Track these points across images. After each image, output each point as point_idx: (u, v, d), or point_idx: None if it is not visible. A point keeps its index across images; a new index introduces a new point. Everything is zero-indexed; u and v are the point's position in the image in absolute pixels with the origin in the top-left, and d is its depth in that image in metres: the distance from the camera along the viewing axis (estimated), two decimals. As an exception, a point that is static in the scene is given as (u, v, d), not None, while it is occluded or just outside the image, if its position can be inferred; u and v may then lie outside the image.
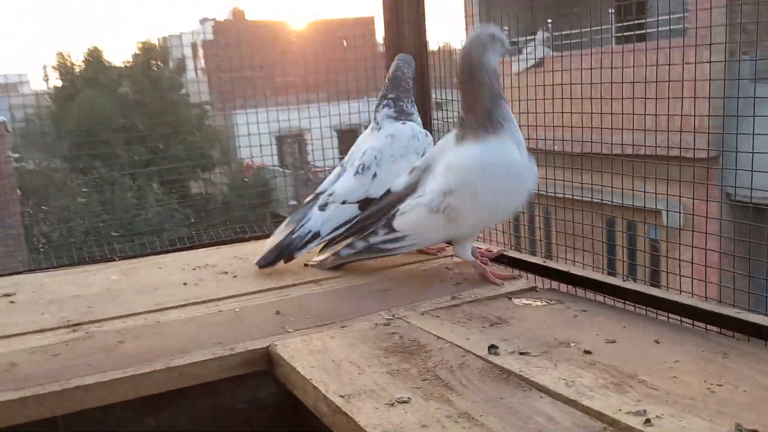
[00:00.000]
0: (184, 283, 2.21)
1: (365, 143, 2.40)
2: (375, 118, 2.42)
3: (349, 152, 2.45)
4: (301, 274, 2.24)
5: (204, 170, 9.36)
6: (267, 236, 2.68)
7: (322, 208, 2.32)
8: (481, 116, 1.93)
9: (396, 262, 2.28)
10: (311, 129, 6.14)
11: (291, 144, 8.78)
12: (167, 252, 2.66)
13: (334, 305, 1.95)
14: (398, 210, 2.07)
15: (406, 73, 2.42)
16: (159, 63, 9.53)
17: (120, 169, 8.74)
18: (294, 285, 2.14)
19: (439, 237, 2.08)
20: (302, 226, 2.30)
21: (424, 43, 2.82)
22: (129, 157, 8.93)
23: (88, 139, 9.13)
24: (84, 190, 8.23)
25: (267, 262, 2.26)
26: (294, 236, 2.28)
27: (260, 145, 5.55)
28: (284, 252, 2.26)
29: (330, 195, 2.34)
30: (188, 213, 9.01)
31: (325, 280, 2.17)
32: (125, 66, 9.72)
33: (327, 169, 7.83)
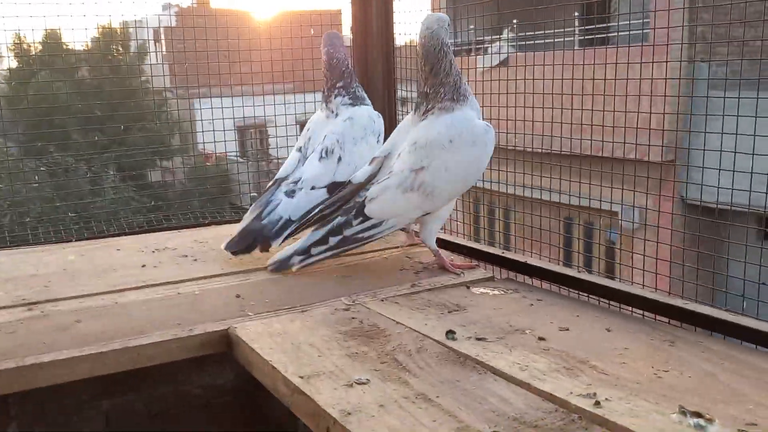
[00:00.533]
0: (143, 266, 2.21)
1: (323, 129, 2.41)
2: (328, 107, 2.42)
3: (304, 138, 2.44)
4: (263, 259, 2.25)
5: (163, 158, 9.23)
6: (228, 222, 2.68)
7: (290, 194, 2.31)
8: (451, 88, 2.04)
9: (357, 251, 2.31)
10: (275, 119, 6.11)
11: (252, 135, 8.73)
12: (126, 234, 2.65)
13: (295, 291, 1.97)
14: (366, 197, 2.07)
15: (340, 58, 2.44)
16: (119, 48, 9.36)
17: (76, 155, 8.58)
18: (255, 270, 2.15)
19: (415, 214, 2.10)
20: (270, 212, 2.27)
21: (392, 38, 2.86)
22: (85, 144, 8.76)
23: (44, 123, 8.93)
24: (37, 176, 8.05)
25: (240, 248, 2.23)
26: (264, 221, 2.26)
27: (223, 134, 5.48)
28: (258, 239, 2.23)
29: (296, 182, 2.34)
30: (145, 201, 8.89)
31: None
32: (84, 50, 9.53)
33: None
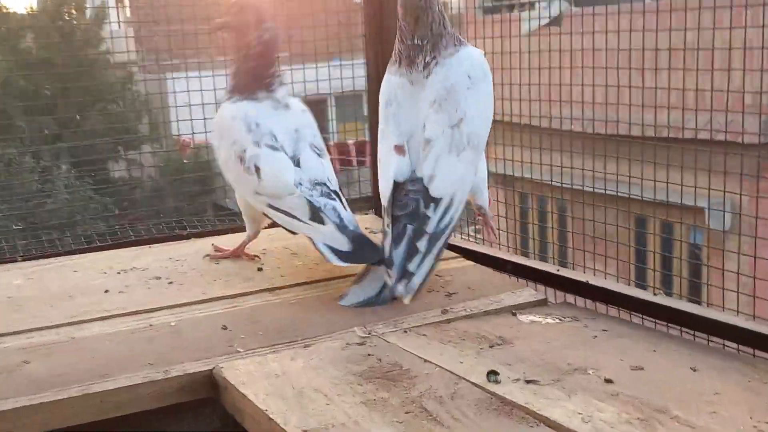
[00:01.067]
0: (106, 291, 2.23)
1: (283, 123, 2.33)
2: (272, 97, 2.36)
3: (257, 134, 2.29)
4: (254, 279, 2.27)
5: (128, 148, 9.28)
6: (213, 233, 2.70)
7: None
8: (451, 35, 2.20)
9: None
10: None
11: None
12: (84, 251, 2.67)
13: (296, 319, 1.98)
14: (422, 179, 2.09)
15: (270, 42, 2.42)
16: (72, 11, 9.44)
17: (20, 145, 8.66)
18: (244, 294, 2.17)
19: (472, 179, 2.17)
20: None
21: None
22: (32, 131, 8.84)
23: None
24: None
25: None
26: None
27: (203, 119, 5.48)
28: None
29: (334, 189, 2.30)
30: (107, 202, 8.96)
31: (283, 288, 2.21)
32: (29, 14, 9.61)
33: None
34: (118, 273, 2.39)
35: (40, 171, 8.88)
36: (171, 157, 9.23)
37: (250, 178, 2.26)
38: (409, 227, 2.05)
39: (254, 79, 2.38)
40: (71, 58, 8.69)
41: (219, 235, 2.77)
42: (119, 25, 9.33)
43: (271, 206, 2.24)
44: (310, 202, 2.17)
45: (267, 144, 2.28)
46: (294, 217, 2.19)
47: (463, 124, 2.12)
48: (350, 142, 9.67)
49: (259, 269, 2.35)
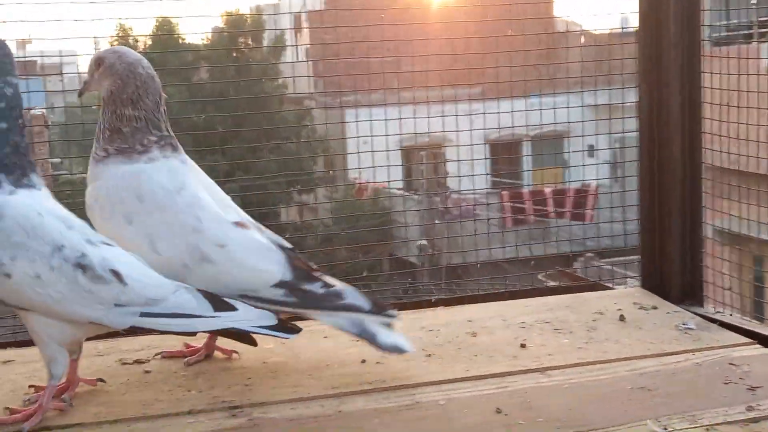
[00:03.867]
0: (363, 361, 2.35)
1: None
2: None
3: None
4: (519, 357, 2.33)
5: (302, 190, 9.60)
6: (458, 300, 2.79)
7: None
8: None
9: (653, 351, 2.35)
10: (456, 137, 6.19)
11: (423, 158, 8.95)
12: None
13: (575, 406, 2.01)
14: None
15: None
16: (249, 42, 9.89)
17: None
18: (511, 373, 2.23)
19: None
20: None
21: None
22: (203, 168, 9.30)
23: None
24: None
25: None
26: None
27: (385, 157, 5.56)
28: None
29: None
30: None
31: (553, 369, 2.26)
32: (204, 44, 10.16)
33: (474, 194, 7.88)
34: (372, 342, 2.50)
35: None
36: (347, 200, 9.49)
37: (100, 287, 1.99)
38: None
39: None
40: (245, 91, 9.07)
41: (469, 303, 2.85)
42: (296, 57, 9.73)
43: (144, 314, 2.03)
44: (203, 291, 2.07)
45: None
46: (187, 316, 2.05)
47: None
48: (548, 189, 9.70)
49: (522, 346, 2.42)
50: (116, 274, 1.98)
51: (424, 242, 8.63)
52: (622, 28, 4.57)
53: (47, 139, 7.39)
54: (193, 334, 2.21)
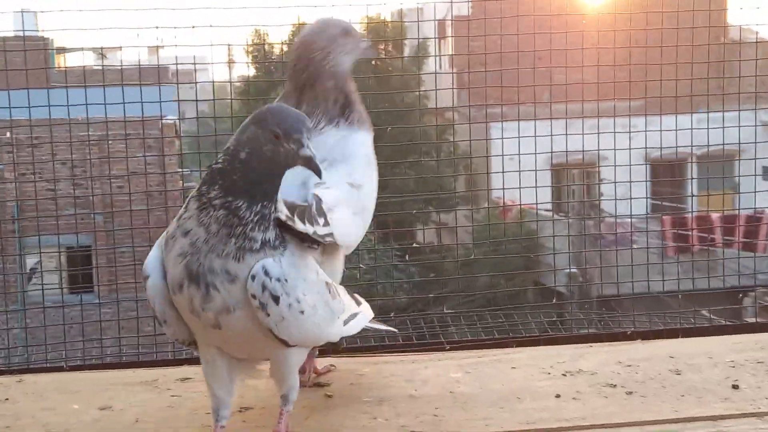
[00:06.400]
0: (557, 396, 2.35)
1: None
2: None
3: None
4: (732, 399, 2.29)
5: (441, 210, 9.61)
6: (655, 334, 2.77)
7: None
8: None
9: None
10: (613, 155, 6.09)
11: (575, 178, 8.88)
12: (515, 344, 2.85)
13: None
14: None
15: None
16: (390, 48, 9.93)
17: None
18: (724, 417, 2.20)
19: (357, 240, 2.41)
20: None
21: None
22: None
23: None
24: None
25: None
26: None
27: (533, 176, 5.52)
28: None
29: None
30: (412, 272, 9.26)
31: (772, 412, 2.22)
32: (342, 52, 10.20)
33: (631, 218, 7.77)
34: (564, 375, 2.51)
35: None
36: (489, 222, 9.40)
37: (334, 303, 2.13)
38: None
39: None
40: (386, 101, 9.14)
41: (668, 338, 2.84)
42: (440, 67, 9.75)
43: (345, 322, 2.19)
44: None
45: None
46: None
47: None
48: (715, 216, 9.45)
49: (734, 387, 2.38)
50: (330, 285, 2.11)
51: (575, 270, 8.54)
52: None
53: (178, 149, 7.63)
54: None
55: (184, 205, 1.91)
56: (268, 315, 1.87)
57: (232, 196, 1.85)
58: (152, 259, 1.92)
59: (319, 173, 1.89)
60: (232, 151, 1.88)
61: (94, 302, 4.60)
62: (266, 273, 1.86)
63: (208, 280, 1.83)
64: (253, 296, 1.86)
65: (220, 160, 1.90)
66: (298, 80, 2.45)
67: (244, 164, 1.86)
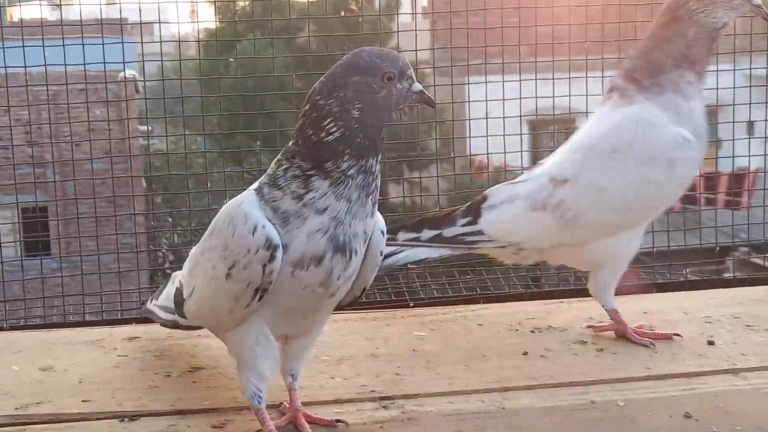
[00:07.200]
0: (525, 353, 2.30)
1: None
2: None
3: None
4: (707, 356, 2.25)
5: (414, 167, 9.50)
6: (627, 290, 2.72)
7: None
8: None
9: None
10: (587, 111, 5.98)
11: (552, 134, 8.81)
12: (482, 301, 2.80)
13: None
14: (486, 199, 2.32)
15: None
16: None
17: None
18: (698, 374, 2.16)
19: (548, 242, 2.31)
20: None
21: None
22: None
23: (247, 111, 9.64)
24: (237, 187, 8.68)
25: None
26: None
27: (504, 131, 5.40)
28: None
29: None
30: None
31: (749, 371, 2.17)
32: (310, 2, 10.11)
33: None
34: (532, 331, 2.46)
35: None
36: (460, 178, 9.35)
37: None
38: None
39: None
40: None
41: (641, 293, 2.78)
42: (413, 17, 9.65)
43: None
44: None
45: None
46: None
47: (564, 187, 2.27)
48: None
49: (710, 343, 2.33)
50: None
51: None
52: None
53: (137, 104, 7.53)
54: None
55: (299, 188, 1.77)
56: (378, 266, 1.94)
57: (363, 158, 1.75)
58: (274, 233, 1.78)
59: (433, 104, 1.86)
60: (338, 112, 1.74)
61: (34, 260, 4.46)
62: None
63: (352, 245, 1.79)
64: (381, 252, 1.92)
65: (327, 129, 1.75)
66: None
67: (360, 122, 1.74)
